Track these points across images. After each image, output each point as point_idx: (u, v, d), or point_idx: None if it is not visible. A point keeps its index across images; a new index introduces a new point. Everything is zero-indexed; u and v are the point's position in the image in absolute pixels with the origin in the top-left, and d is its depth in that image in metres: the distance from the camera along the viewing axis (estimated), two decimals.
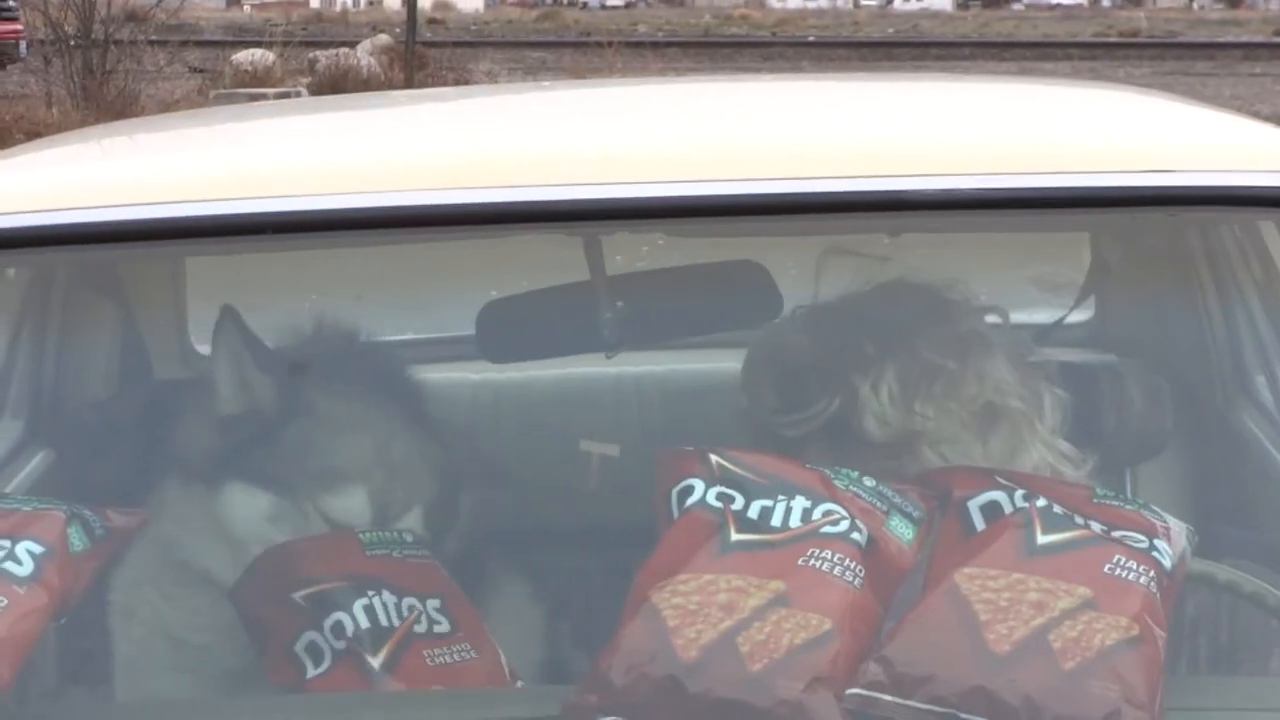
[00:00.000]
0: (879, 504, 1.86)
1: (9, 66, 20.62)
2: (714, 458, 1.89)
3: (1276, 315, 2.78)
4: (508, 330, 2.79)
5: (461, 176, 2.02)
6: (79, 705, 2.23)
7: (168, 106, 16.10)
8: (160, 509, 2.18)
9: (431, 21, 34.87)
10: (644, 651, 1.73)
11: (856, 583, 1.78)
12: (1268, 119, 2.77)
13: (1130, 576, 1.77)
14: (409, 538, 2.07)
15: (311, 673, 1.90)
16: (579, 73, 20.61)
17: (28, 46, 19.86)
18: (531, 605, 2.32)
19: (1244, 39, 31.48)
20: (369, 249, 2.41)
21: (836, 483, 1.87)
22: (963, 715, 1.68)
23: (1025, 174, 2.00)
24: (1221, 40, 31.05)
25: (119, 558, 2.13)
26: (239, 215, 1.97)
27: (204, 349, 3.03)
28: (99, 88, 17.01)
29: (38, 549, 1.91)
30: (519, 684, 1.97)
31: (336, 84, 18.31)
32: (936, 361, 2.13)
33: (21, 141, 9.44)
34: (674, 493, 1.87)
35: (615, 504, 2.17)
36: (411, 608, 1.93)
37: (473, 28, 35.87)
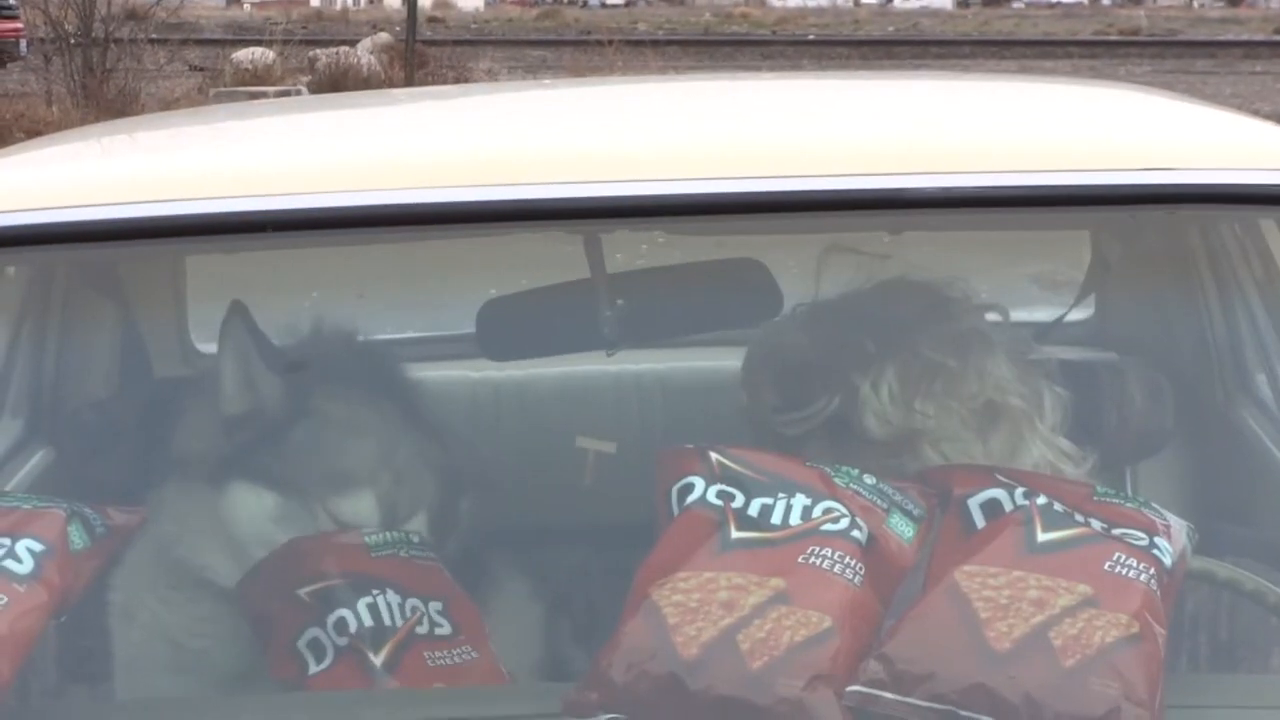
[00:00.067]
0: (879, 502, 1.86)
1: (9, 65, 20.63)
2: (714, 455, 1.89)
3: (1277, 313, 2.77)
4: (508, 328, 2.79)
5: (461, 175, 2.01)
6: (79, 703, 2.23)
7: (168, 105, 16.09)
8: (160, 507, 2.18)
9: (432, 20, 34.81)
10: (644, 649, 1.73)
11: (857, 580, 1.78)
12: (1268, 117, 2.77)
13: (1130, 574, 1.77)
14: (415, 538, 2.07)
15: (314, 669, 1.90)
16: (579, 71, 20.58)
17: (28, 44, 19.86)
18: (532, 603, 2.32)
19: (1244, 37, 31.42)
20: (368, 247, 2.41)
21: (837, 480, 1.87)
22: (963, 713, 1.68)
23: (1025, 172, 2.00)
24: (1222, 38, 31.01)
25: (119, 556, 2.13)
26: (239, 213, 1.96)
27: (204, 347, 3.04)
28: (99, 86, 17.01)
29: (38, 547, 1.91)
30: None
31: (336, 82, 18.29)
32: (937, 359, 2.13)
33: (21, 140, 9.42)
34: (674, 490, 1.87)
35: (615, 502, 2.16)
36: (414, 609, 1.93)
37: (473, 26, 35.80)
